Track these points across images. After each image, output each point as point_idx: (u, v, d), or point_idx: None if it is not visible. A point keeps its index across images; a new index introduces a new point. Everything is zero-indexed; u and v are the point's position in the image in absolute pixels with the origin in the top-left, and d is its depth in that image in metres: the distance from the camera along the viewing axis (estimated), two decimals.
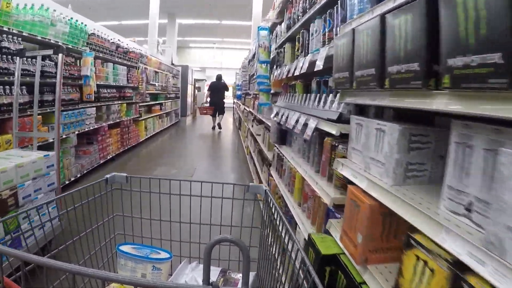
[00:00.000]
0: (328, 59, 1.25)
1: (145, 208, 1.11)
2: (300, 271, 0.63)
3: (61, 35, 3.70)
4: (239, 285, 1.02)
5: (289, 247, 0.75)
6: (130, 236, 1.12)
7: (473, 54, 0.53)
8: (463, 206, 0.67)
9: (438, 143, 0.91)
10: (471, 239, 0.57)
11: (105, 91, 4.98)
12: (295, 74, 1.68)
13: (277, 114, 2.28)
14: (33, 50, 3.31)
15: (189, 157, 6.11)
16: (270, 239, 0.96)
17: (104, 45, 4.83)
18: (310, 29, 1.58)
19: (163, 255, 1.01)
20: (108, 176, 1.09)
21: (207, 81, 16.88)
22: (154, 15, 10.54)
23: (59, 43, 3.60)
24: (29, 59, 3.14)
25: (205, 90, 13.29)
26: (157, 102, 8.83)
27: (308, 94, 1.66)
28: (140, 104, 6.89)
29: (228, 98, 13.37)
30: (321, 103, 1.41)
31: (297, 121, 1.61)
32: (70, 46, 3.85)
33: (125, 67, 5.85)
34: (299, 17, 1.85)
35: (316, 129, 1.37)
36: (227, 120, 12.77)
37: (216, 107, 9.89)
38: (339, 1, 1.25)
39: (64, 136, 3.82)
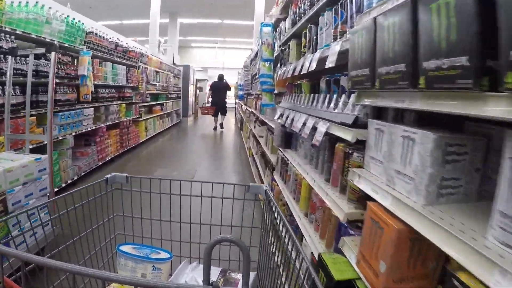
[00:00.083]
0: (341, 55, 1.11)
1: (145, 208, 1.11)
2: (301, 271, 0.62)
3: (57, 33, 3.57)
4: (239, 285, 1.01)
5: (289, 247, 0.74)
6: (130, 236, 1.12)
7: None
8: None
9: (474, 154, 0.76)
10: None
11: (104, 91, 4.85)
12: (301, 73, 1.53)
13: (281, 115, 2.14)
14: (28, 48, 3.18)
15: (190, 159, 5.98)
16: (270, 239, 0.95)
17: (103, 44, 4.70)
18: (319, 22, 1.43)
19: (163, 255, 1.00)
20: (108, 176, 1.09)
21: (209, 81, 16.77)
22: (155, 14, 10.44)
23: (55, 42, 3.47)
24: (23, 58, 3.01)
25: (207, 90, 13.18)
26: (158, 102, 8.70)
27: (316, 95, 1.51)
28: (140, 105, 6.76)
29: (230, 98, 13.28)
30: (332, 104, 1.26)
31: (304, 124, 1.47)
32: (66, 45, 3.72)
33: (125, 67, 5.72)
34: (306, 11, 1.70)
35: (326, 133, 1.22)
36: (229, 121, 12.65)
37: (218, 107, 9.81)
38: None
39: (60, 138, 3.70)
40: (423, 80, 0.65)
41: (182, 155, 6.25)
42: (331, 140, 1.32)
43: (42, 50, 2.56)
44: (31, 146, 3.20)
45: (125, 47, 5.74)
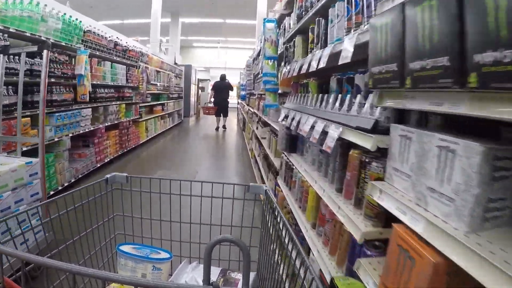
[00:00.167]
0: (357, 49, 0.96)
1: (145, 208, 1.10)
2: (301, 271, 0.61)
3: (53, 32, 3.46)
4: (239, 285, 1.01)
5: (290, 247, 0.73)
6: (130, 236, 1.12)
7: None
8: None
9: None
10: None
11: (102, 91, 4.73)
12: (309, 71, 1.39)
13: (286, 117, 1.99)
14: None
15: (190, 160, 5.86)
16: (270, 239, 0.95)
17: (101, 42, 4.58)
18: (329, 15, 1.29)
19: (163, 255, 1.00)
20: (108, 176, 1.09)
21: (211, 81, 16.67)
22: (156, 13, 10.33)
23: (50, 40, 3.35)
24: (16, 57, 2.90)
25: (209, 90, 13.08)
26: (159, 102, 8.58)
27: (326, 95, 1.36)
28: (140, 105, 6.63)
29: (232, 98, 13.19)
30: (345, 106, 1.11)
31: (312, 128, 1.32)
32: (63, 44, 3.60)
33: (124, 66, 5.60)
34: (313, 3, 1.56)
35: (339, 138, 1.08)
36: (231, 121, 12.55)
37: (220, 107, 9.72)
38: None
39: (56, 139, 3.58)
40: (474, 78, 0.50)
41: (183, 157, 6.14)
42: (343, 145, 1.18)
43: (34, 48, 2.44)
44: (25, 148, 3.10)
45: (125, 46, 5.62)
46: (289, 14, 2.39)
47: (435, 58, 0.57)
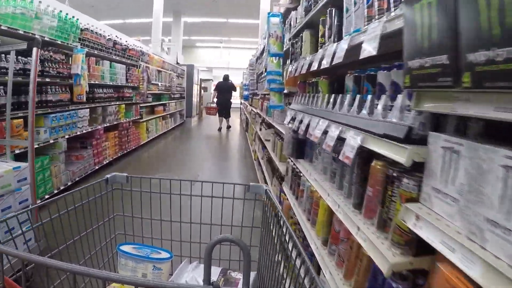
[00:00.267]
0: (384, 40, 0.80)
1: (145, 208, 1.10)
2: (301, 271, 0.60)
3: (48, 30, 3.31)
4: (240, 285, 1.01)
5: (290, 246, 0.72)
6: (131, 236, 1.12)
7: None
8: None
9: None
10: None
11: (101, 91, 4.59)
12: (321, 67, 1.22)
13: (292, 119, 1.82)
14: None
15: (192, 162, 5.71)
16: (270, 238, 0.94)
17: (100, 41, 4.44)
18: (344, 3, 1.12)
19: (164, 255, 1.00)
20: (108, 176, 1.09)
21: (213, 81, 16.55)
22: (157, 12, 10.21)
23: (45, 38, 3.21)
24: (8, 56, 2.76)
25: (212, 90, 12.95)
26: (160, 102, 8.44)
27: (340, 95, 1.20)
28: (141, 105, 6.49)
29: (235, 99, 13.07)
30: (366, 109, 0.95)
31: (325, 133, 1.16)
32: (58, 42, 3.46)
33: (124, 66, 5.46)
34: None
35: (360, 147, 0.91)
36: (234, 121, 12.40)
37: (223, 107, 9.60)
38: None
39: (52, 141, 3.44)
40: None
41: (184, 159, 6.00)
42: (363, 153, 1.01)
43: (23, 45, 2.30)
44: (18, 151, 2.97)
45: (124, 45, 5.48)
46: (295, 8, 2.22)
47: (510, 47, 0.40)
